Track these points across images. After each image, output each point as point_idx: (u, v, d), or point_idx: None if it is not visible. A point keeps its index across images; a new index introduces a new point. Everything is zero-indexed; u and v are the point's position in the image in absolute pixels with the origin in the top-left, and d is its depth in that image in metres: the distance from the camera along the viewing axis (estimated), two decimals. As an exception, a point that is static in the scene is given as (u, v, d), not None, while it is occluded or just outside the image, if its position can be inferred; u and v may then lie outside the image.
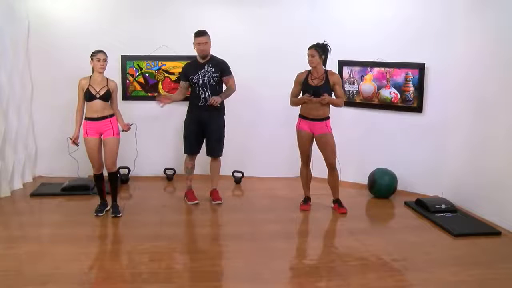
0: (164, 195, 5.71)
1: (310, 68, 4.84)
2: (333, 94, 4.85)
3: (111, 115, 4.64)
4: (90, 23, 5.85)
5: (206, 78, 4.97)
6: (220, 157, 5.22)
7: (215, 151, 5.15)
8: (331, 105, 4.85)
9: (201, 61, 5.03)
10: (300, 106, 4.92)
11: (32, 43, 5.84)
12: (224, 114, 5.17)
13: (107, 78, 4.64)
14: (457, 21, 5.17)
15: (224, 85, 5.17)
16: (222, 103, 5.09)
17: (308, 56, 4.76)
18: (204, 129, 5.08)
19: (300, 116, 4.92)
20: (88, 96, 4.54)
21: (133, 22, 5.90)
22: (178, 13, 5.97)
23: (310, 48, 4.76)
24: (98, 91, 4.54)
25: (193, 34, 4.97)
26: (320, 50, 4.72)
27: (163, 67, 6.05)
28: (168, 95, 5.00)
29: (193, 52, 5.54)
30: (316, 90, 4.73)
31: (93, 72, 4.61)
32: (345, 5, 5.91)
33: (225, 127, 5.18)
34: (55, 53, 5.87)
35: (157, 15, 5.96)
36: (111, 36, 5.73)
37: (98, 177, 4.76)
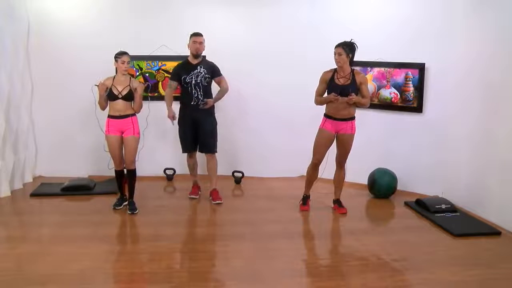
0: (164, 195, 5.72)
1: (335, 67, 4.70)
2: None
3: (133, 114, 4.79)
4: (90, 23, 5.87)
5: (199, 79, 5.05)
6: (216, 156, 5.26)
7: (210, 148, 5.21)
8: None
9: (193, 62, 5.10)
10: (324, 105, 4.81)
11: (32, 43, 5.85)
12: (214, 113, 5.26)
13: (130, 78, 4.75)
14: (457, 21, 5.17)
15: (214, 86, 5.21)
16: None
17: (335, 54, 4.62)
18: (197, 128, 5.15)
19: (326, 115, 4.81)
20: (111, 96, 4.65)
21: (133, 22, 5.90)
22: (178, 13, 5.98)
23: (337, 46, 4.62)
24: (120, 91, 4.66)
25: (189, 35, 5.03)
26: (347, 48, 4.59)
27: (163, 67, 6.05)
28: (170, 110, 5.14)
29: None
30: (344, 89, 4.62)
31: (116, 72, 4.75)
32: (345, 5, 5.90)
33: (217, 125, 5.24)
34: (55, 53, 5.87)
35: (157, 15, 5.96)
36: (111, 36, 5.73)
37: (119, 173, 4.91)
